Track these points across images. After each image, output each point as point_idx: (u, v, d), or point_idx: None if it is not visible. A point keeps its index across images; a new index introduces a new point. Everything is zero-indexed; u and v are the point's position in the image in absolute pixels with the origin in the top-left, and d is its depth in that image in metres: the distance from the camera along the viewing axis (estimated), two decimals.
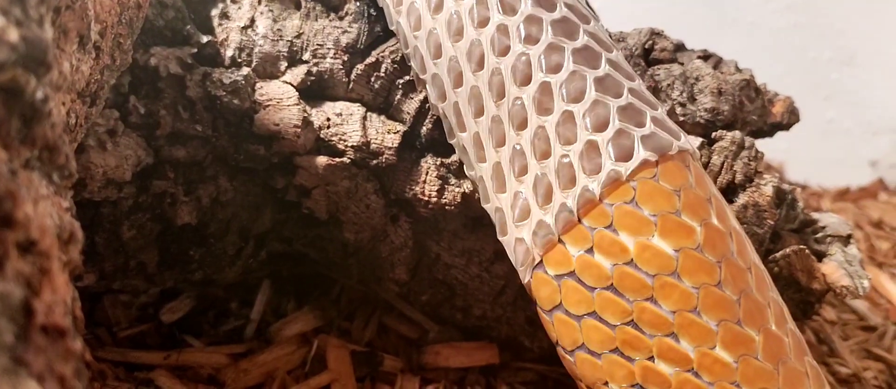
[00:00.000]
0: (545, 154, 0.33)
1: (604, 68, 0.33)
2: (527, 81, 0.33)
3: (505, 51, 0.34)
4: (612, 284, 0.32)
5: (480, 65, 0.35)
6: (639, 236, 0.31)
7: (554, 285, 0.33)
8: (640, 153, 0.32)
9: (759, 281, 0.32)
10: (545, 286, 0.34)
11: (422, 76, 0.38)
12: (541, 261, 0.34)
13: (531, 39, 0.33)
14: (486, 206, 0.37)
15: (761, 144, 0.44)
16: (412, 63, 0.39)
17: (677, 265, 0.31)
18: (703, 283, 0.31)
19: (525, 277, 0.35)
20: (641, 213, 0.31)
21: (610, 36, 0.45)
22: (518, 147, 0.34)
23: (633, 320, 0.31)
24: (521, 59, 0.33)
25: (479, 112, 0.35)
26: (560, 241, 0.33)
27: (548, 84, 0.33)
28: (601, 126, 0.32)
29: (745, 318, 0.31)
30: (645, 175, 0.32)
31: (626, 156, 0.32)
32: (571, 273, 0.33)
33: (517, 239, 0.35)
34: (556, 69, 0.33)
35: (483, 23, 0.34)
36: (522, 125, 0.34)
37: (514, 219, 0.35)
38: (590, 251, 0.32)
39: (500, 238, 0.37)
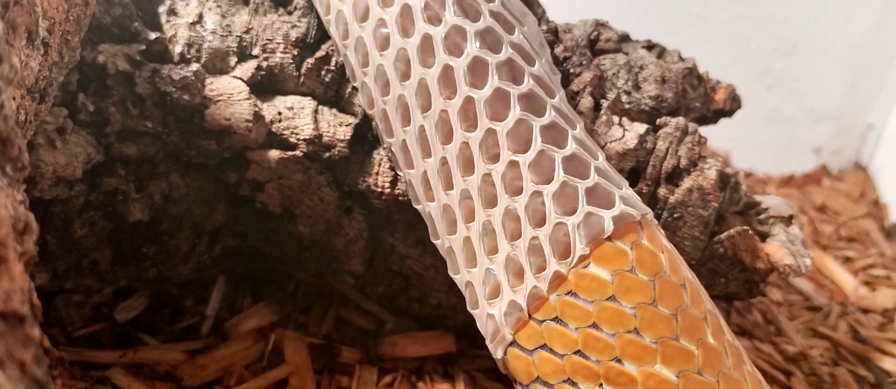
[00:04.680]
0: (470, 171, 0.34)
1: (528, 84, 0.33)
2: (452, 95, 0.33)
3: (431, 62, 0.34)
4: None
5: (407, 75, 0.34)
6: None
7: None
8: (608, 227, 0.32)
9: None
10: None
11: (354, 83, 0.38)
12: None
13: (456, 51, 0.33)
14: (416, 206, 0.38)
15: (708, 133, 0.45)
16: (346, 69, 0.39)
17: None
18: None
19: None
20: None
21: (555, 29, 0.45)
22: (446, 159, 0.34)
23: None
24: (447, 73, 0.33)
25: (406, 121, 0.35)
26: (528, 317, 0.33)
27: (471, 99, 0.33)
28: (524, 146, 0.33)
29: None
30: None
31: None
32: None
33: (447, 250, 0.36)
34: (479, 85, 0.33)
35: (408, 32, 0.34)
36: (448, 139, 0.34)
37: (446, 231, 0.36)
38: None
39: (433, 240, 0.37)
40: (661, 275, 0.32)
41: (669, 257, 0.33)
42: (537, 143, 0.32)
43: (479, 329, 0.36)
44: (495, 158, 0.33)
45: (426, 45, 0.34)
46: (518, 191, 0.32)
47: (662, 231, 0.35)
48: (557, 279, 0.32)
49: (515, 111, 0.32)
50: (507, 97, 0.33)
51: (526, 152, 0.32)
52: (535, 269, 0.32)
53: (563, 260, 0.32)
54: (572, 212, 0.32)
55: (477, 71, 0.33)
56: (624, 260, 0.32)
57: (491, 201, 0.33)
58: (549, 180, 0.32)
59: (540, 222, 0.32)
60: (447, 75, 0.33)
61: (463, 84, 0.33)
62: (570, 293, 0.32)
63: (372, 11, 0.35)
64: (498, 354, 0.34)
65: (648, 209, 0.34)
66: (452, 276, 0.37)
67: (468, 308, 0.36)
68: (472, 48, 0.33)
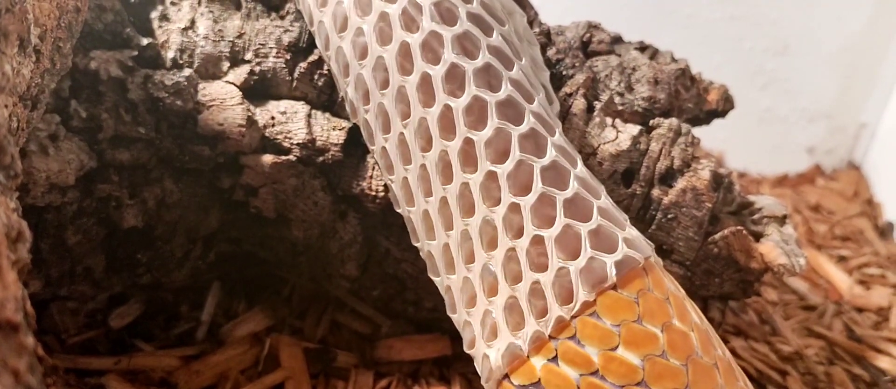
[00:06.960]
0: (448, 179, 0.33)
1: (506, 89, 0.33)
2: (431, 102, 0.33)
3: (409, 69, 0.33)
4: None
5: (386, 83, 0.34)
6: None
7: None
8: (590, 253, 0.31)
9: None
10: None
11: (339, 93, 0.38)
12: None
13: (433, 59, 0.33)
14: (398, 211, 0.38)
15: (701, 133, 0.45)
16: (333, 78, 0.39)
17: None
18: None
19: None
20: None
21: (548, 31, 0.45)
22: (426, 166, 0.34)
23: None
24: (425, 80, 0.33)
25: (386, 128, 0.35)
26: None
27: (449, 107, 0.32)
28: (502, 156, 0.32)
29: None
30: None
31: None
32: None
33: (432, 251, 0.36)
34: (455, 93, 0.33)
35: (386, 40, 0.34)
36: (427, 147, 0.33)
37: (425, 235, 0.35)
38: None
39: (413, 243, 0.37)
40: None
41: (676, 301, 0.32)
42: (515, 153, 0.32)
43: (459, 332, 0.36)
44: (473, 168, 0.32)
45: (404, 52, 0.33)
46: (496, 202, 0.32)
47: (665, 274, 0.34)
48: (534, 290, 0.32)
49: (493, 120, 0.32)
50: (484, 106, 0.32)
51: (504, 163, 0.32)
52: (510, 280, 0.32)
53: (541, 272, 0.31)
54: (551, 223, 0.31)
55: (454, 78, 0.32)
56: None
57: (469, 210, 0.33)
58: (527, 192, 0.32)
59: (517, 233, 0.32)
60: (425, 83, 0.33)
61: (441, 92, 0.33)
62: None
63: (350, 21, 0.35)
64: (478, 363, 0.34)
65: (625, 216, 0.34)
66: (433, 277, 0.36)
67: (447, 312, 0.36)
68: (449, 55, 0.33)
